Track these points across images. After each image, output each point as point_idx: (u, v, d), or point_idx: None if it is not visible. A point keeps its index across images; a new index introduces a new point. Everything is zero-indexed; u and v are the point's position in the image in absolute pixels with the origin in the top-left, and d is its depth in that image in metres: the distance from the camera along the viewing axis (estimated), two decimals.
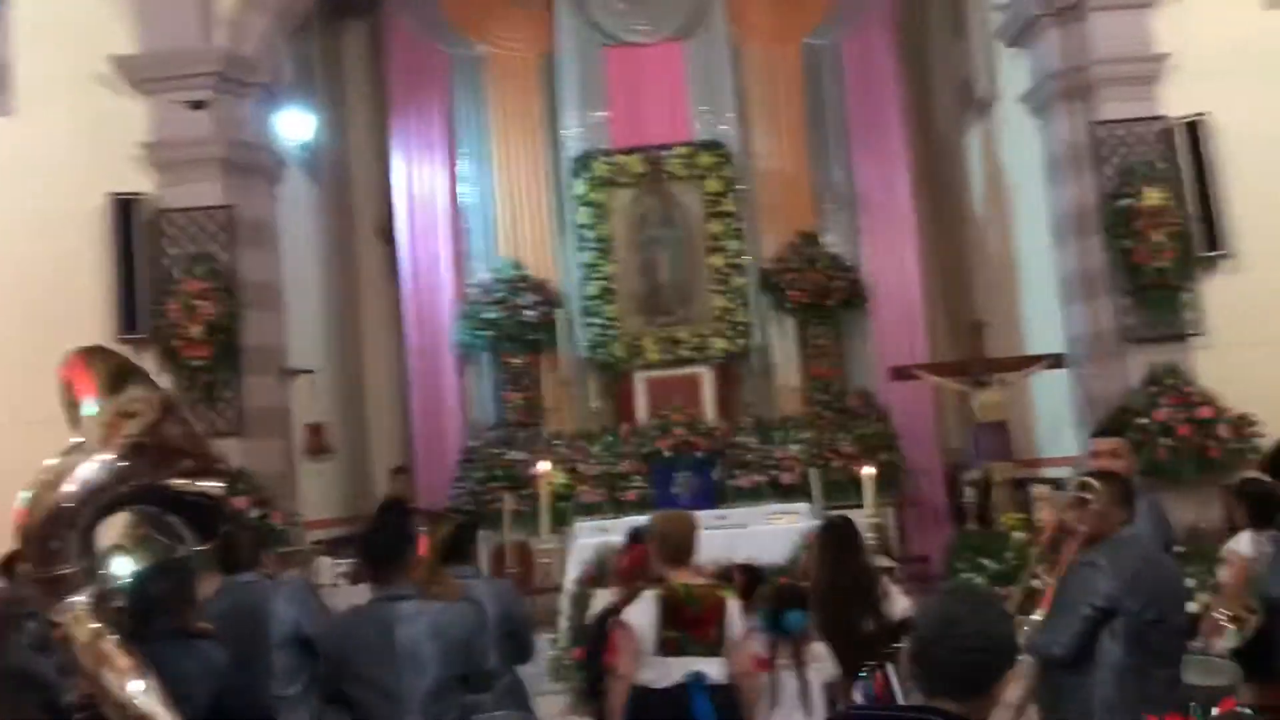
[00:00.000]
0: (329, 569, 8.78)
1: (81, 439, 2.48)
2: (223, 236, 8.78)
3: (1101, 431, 5.46)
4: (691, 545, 4.10)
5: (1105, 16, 8.99)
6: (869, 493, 7.29)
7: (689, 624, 3.91)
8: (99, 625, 2.40)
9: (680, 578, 3.99)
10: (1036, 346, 10.19)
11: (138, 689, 2.37)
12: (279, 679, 3.95)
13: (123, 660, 2.39)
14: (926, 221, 12.54)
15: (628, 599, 4.16)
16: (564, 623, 7.91)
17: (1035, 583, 3.73)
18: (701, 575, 4.28)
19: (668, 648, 3.91)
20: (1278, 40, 8.87)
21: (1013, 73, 10.46)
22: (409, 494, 10.84)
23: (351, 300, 12.55)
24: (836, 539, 4.68)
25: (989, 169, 11.55)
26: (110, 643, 2.40)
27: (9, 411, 8.05)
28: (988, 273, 11.72)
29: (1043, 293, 10.11)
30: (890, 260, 11.97)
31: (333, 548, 9.76)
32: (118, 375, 2.63)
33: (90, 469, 2.44)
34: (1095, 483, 3.62)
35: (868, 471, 7.43)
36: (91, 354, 2.63)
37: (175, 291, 8.53)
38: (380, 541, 3.52)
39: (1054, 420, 10.20)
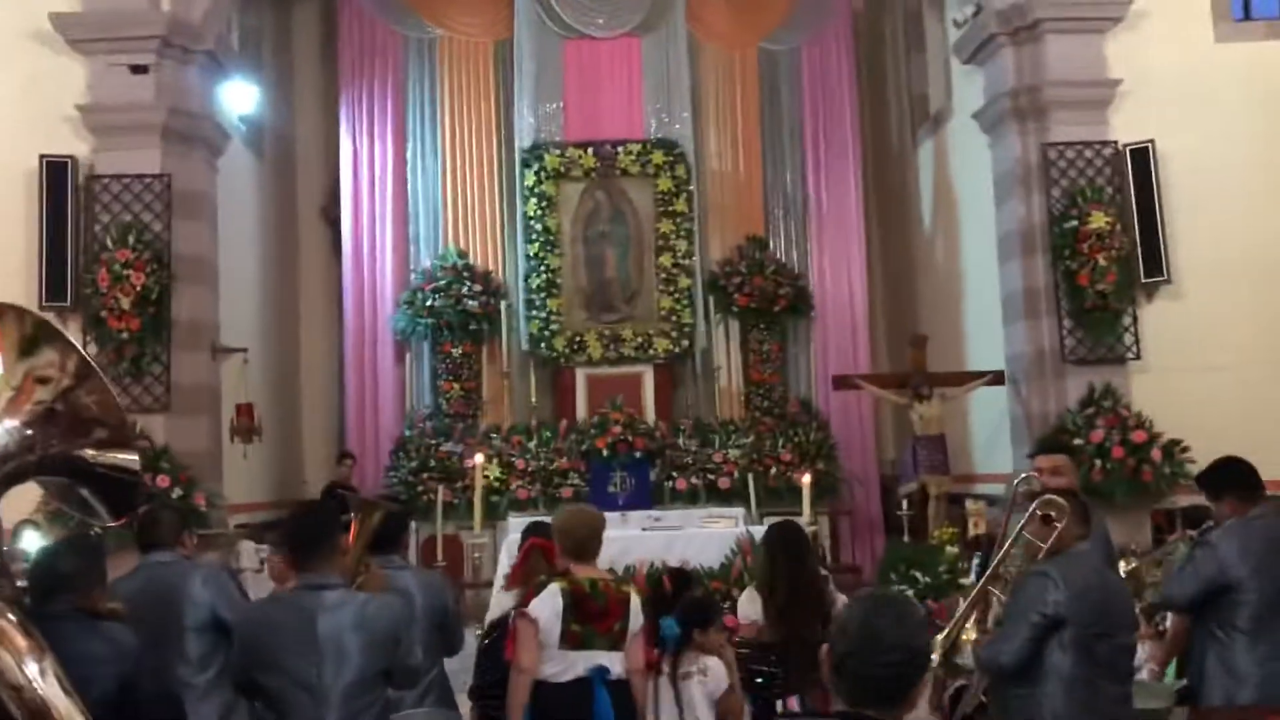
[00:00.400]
0: (251, 554, 8.54)
1: None
2: (157, 206, 8.50)
3: (1045, 448, 5.44)
4: (596, 541, 4.06)
5: (1061, 39, 9.07)
6: (807, 500, 7.25)
7: (594, 617, 3.85)
8: None
9: (584, 573, 3.94)
10: (977, 362, 10.24)
11: (34, 671, 2.20)
12: (190, 665, 3.76)
13: (21, 640, 2.22)
14: (875, 233, 12.61)
15: (532, 595, 4.08)
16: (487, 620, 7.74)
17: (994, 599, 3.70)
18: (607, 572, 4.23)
19: (571, 641, 3.84)
20: (1227, 73, 9.04)
21: (967, 89, 10.51)
22: (353, 481, 10.54)
23: (290, 281, 12.26)
24: (787, 544, 4.61)
25: (939, 184, 11.61)
26: (8, 620, 2.23)
27: None
28: (932, 287, 11.78)
29: (985, 309, 10.15)
30: (837, 269, 12.00)
31: (257, 532, 9.51)
32: (32, 337, 2.46)
33: None
34: (1060, 500, 3.59)
35: (806, 479, 7.38)
36: (4, 312, 2.45)
37: (105, 260, 8.25)
38: (306, 526, 3.33)
39: (991, 436, 10.26)
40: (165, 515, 4.31)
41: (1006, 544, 3.73)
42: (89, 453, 2.46)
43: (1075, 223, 8.83)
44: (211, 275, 9.07)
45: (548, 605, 3.84)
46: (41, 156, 8.34)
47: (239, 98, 10.41)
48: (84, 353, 2.49)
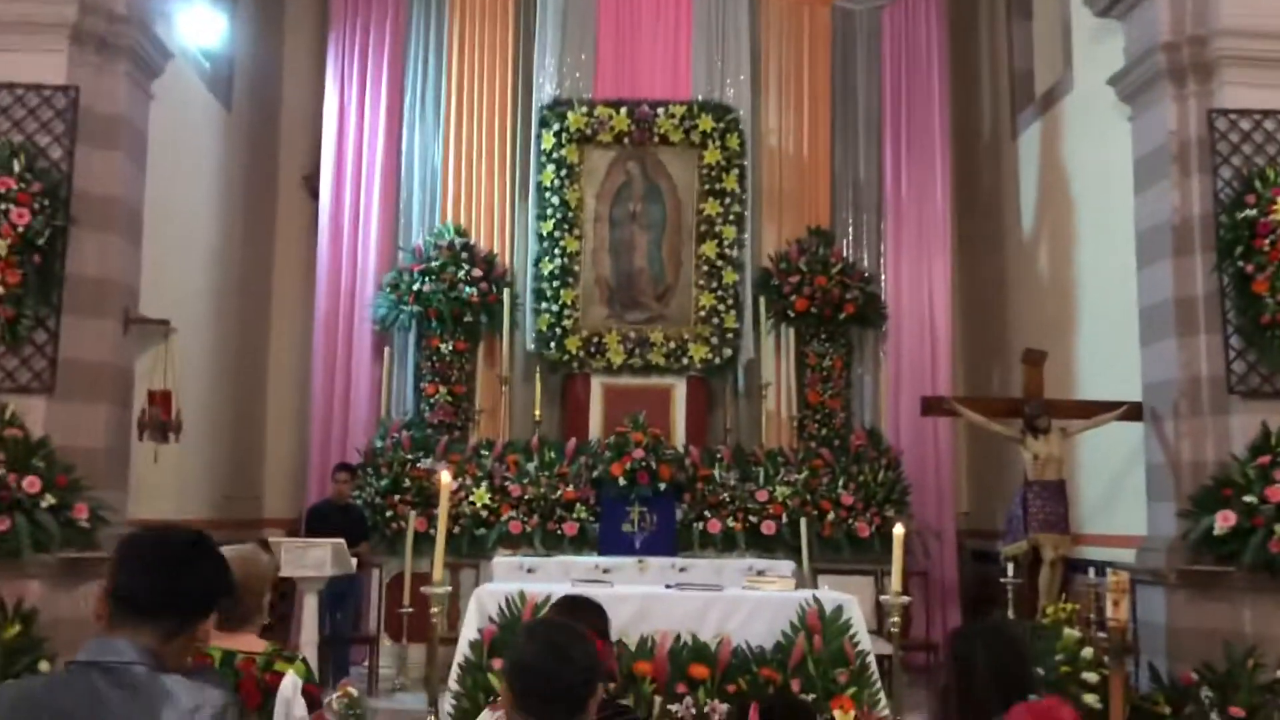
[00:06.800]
0: None
1: None
2: (58, 126, 6.55)
3: None
4: (255, 597, 3.18)
5: None
6: (897, 565, 5.14)
7: None
8: None
9: (229, 642, 3.08)
10: (1093, 392, 8.15)
11: None
12: None
13: None
14: (963, 233, 10.49)
15: None
16: (448, 703, 5.63)
17: None
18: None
19: None
20: None
21: (1091, 60, 8.54)
22: (349, 499, 8.38)
23: (261, 256, 10.43)
24: (1002, 675, 2.56)
25: (1046, 176, 9.54)
26: None
27: None
28: (1032, 299, 9.68)
29: (1109, 327, 8.12)
30: (916, 275, 9.87)
31: None
32: None
33: None
34: None
35: (898, 531, 5.27)
36: None
37: None
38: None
39: (1110, 486, 8.14)
40: None
41: None
42: None
43: (1253, 212, 6.75)
44: (130, 224, 7.09)
45: None
46: None
47: (201, 28, 8.64)
48: None
